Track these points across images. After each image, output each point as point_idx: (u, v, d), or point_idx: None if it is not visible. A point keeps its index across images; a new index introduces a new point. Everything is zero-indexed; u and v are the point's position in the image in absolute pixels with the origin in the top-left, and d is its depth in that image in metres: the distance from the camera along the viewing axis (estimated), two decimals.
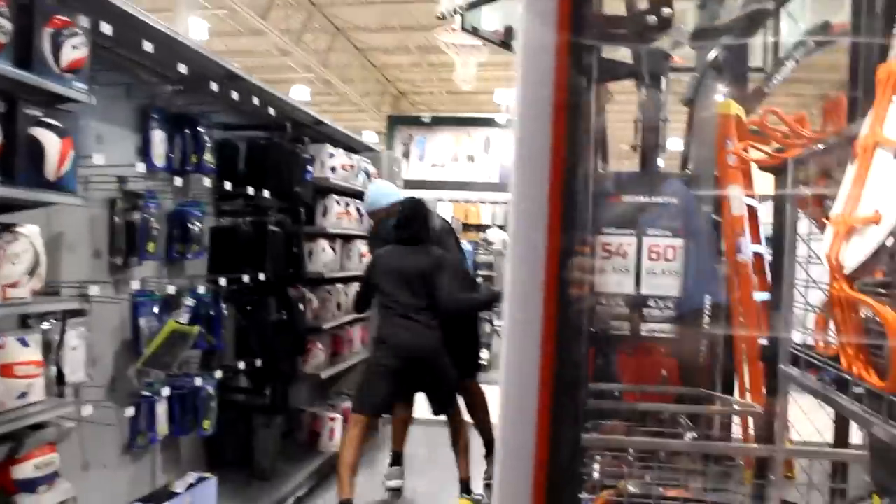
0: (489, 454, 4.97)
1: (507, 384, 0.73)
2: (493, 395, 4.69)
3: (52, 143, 2.50)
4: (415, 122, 15.73)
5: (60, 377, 2.71)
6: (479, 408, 4.96)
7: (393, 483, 4.93)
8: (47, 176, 2.51)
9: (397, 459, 5.01)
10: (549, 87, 0.71)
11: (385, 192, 5.24)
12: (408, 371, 4.35)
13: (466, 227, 13.55)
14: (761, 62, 6.56)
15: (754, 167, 4.22)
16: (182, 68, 3.46)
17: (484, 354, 5.92)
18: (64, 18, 2.57)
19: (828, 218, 2.26)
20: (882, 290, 1.95)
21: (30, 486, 2.48)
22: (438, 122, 15.55)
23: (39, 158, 2.48)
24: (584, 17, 0.72)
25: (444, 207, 14.06)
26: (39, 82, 2.47)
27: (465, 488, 4.60)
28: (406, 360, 4.33)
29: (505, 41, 6.19)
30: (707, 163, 4.71)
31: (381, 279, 4.47)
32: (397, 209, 4.73)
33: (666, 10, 3.06)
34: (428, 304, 4.38)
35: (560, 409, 0.73)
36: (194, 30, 12.84)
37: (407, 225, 4.52)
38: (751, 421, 4.19)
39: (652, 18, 3.06)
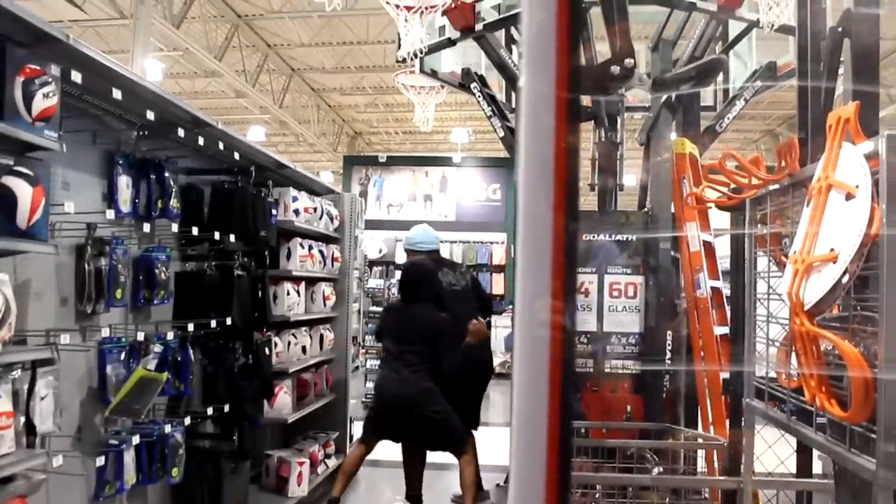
0: None
1: (517, 423, 0.77)
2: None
3: (24, 192, 2.50)
4: (371, 161, 15.82)
5: (30, 427, 2.67)
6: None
7: None
8: (19, 225, 2.51)
9: (416, 502, 5.08)
10: (552, 139, 0.77)
11: (425, 238, 5.68)
12: (392, 414, 4.83)
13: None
14: (712, 101, 6.79)
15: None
16: (149, 114, 3.48)
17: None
18: (35, 67, 2.59)
19: (785, 256, 2.37)
20: (840, 325, 2.04)
21: None
22: (395, 161, 15.68)
23: (12, 207, 2.48)
24: (577, 72, 0.80)
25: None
26: (12, 131, 2.47)
27: None
28: (389, 405, 4.84)
29: (462, 83, 6.32)
30: (664, 201, 4.85)
31: (385, 331, 5.14)
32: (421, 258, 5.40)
33: (628, 61, 3.20)
34: (420, 359, 4.84)
35: (566, 446, 0.78)
36: (150, 71, 12.83)
37: (409, 287, 5.11)
38: (715, 454, 4.27)
39: (615, 69, 3.20)
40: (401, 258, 13.74)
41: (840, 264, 1.81)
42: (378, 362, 9.81)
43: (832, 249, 1.86)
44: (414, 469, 5.15)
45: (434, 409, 4.78)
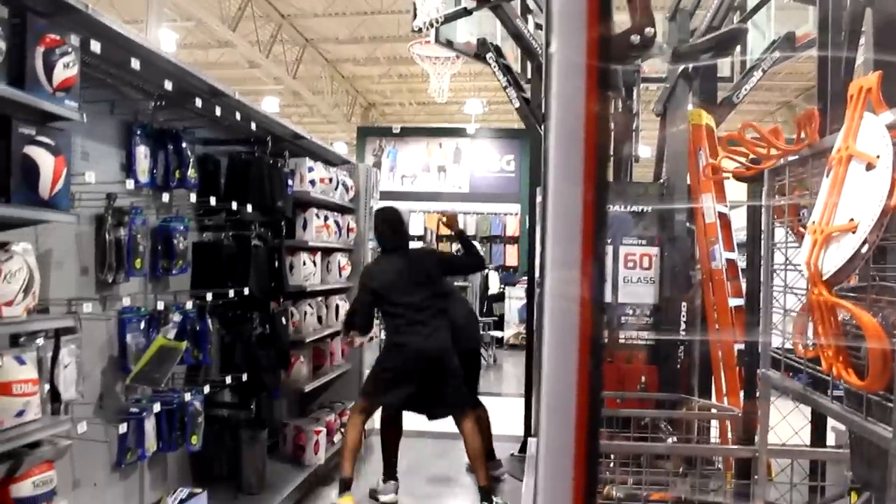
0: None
1: (547, 393, 0.78)
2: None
3: (46, 162, 2.52)
4: (385, 132, 15.79)
5: (55, 395, 2.72)
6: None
7: (387, 498, 4.94)
8: (41, 194, 2.53)
9: (391, 473, 5.02)
10: (582, 110, 0.77)
11: None
12: (413, 377, 4.66)
13: (440, 238, 13.63)
14: (728, 72, 6.73)
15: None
16: (166, 84, 3.49)
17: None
18: (56, 37, 2.59)
19: (803, 226, 2.37)
20: (858, 295, 2.05)
21: None
22: (408, 132, 15.63)
23: (34, 177, 2.50)
24: (608, 41, 0.80)
25: (417, 218, 14.13)
26: (33, 101, 2.49)
27: (486, 496, 4.70)
28: (421, 362, 4.66)
29: (478, 53, 6.29)
30: (680, 172, 4.84)
31: (382, 289, 4.74)
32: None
33: (649, 30, 3.17)
34: (433, 306, 4.71)
35: (595, 418, 0.79)
36: (163, 42, 12.80)
37: (392, 234, 4.86)
38: (728, 424, 4.30)
39: (635, 38, 3.17)
40: (414, 229, 13.79)
41: (859, 234, 1.81)
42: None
43: (852, 219, 1.86)
44: (389, 441, 5.05)
45: (453, 365, 4.73)
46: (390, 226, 4.88)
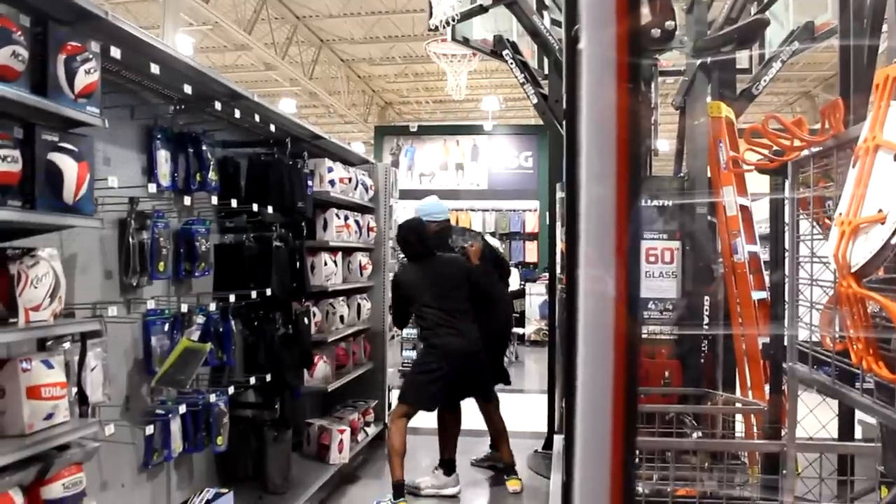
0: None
1: (583, 389, 0.77)
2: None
3: (69, 168, 2.54)
4: (402, 131, 15.81)
5: (83, 398, 2.75)
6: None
7: (449, 491, 5.16)
8: (66, 200, 2.55)
9: (451, 467, 5.23)
10: (613, 107, 0.77)
11: (439, 209, 5.98)
12: (458, 371, 4.96)
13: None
14: (747, 64, 6.67)
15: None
16: (186, 88, 3.51)
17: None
18: (76, 44, 2.61)
19: (829, 218, 2.34)
20: (887, 287, 2.02)
21: None
22: (426, 130, 15.64)
23: (58, 183, 2.52)
24: (638, 35, 0.79)
25: None
26: (56, 108, 2.50)
27: (511, 470, 5.33)
28: (457, 360, 4.96)
29: (495, 50, 6.28)
30: (700, 165, 4.80)
31: (416, 295, 5.10)
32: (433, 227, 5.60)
33: (669, 24, 3.15)
34: (462, 308, 5.07)
35: (632, 416, 0.78)
36: (180, 46, 12.89)
37: (419, 244, 5.18)
38: (754, 418, 4.26)
39: (655, 32, 3.15)
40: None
41: (889, 225, 1.78)
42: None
43: (880, 210, 1.83)
44: (450, 435, 5.28)
45: (483, 361, 5.14)
46: (418, 237, 5.19)
